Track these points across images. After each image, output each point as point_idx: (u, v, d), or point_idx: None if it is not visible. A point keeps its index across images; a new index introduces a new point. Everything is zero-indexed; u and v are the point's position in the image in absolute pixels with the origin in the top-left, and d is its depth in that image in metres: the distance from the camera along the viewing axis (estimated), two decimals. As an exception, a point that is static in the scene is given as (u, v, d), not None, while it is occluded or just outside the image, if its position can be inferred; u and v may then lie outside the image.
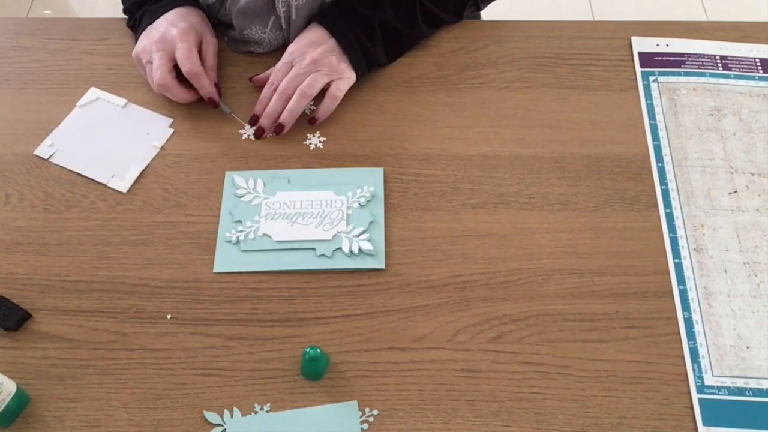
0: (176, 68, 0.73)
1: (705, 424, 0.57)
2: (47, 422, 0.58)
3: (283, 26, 0.76)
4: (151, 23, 0.75)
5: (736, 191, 0.70)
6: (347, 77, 0.73)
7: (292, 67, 0.73)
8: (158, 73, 0.72)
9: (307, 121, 0.74)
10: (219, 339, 0.62)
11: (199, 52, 0.74)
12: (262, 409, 0.58)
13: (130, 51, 0.79)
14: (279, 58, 0.75)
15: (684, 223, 0.68)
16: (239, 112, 0.75)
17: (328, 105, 0.73)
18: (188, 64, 0.71)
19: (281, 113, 0.72)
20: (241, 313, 0.63)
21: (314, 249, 0.66)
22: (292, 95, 0.72)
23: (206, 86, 0.73)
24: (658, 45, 0.80)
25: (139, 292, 0.64)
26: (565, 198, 0.69)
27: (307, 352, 0.57)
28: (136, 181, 0.71)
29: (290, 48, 0.74)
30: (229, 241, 0.66)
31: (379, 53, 0.76)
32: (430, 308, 0.63)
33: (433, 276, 0.65)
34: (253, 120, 0.74)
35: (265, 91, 0.74)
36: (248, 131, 0.74)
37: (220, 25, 0.80)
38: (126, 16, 0.80)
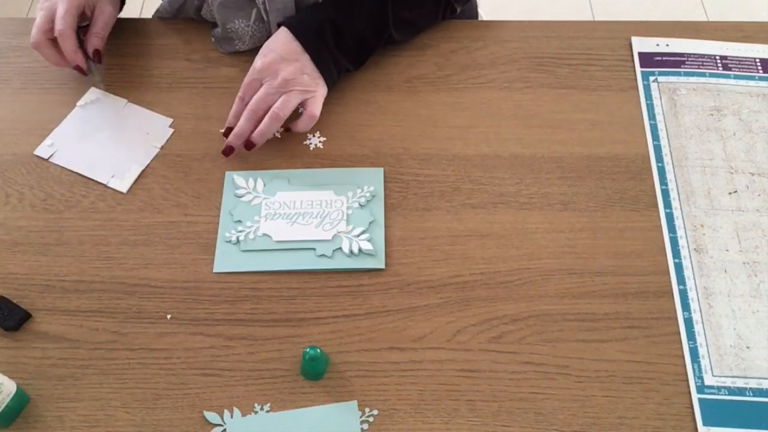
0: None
1: (705, 424, 0.57)
2: (47, 422, 0.58)
3: (265, 18, 0.76)
4: None
5: (736, 191, 0.70)
6: (320, 94, 0.72)
7: (261, 83, 0.70)
8: (33, 31, 0.71)
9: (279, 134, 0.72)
10: (219, 339, 0.62)
11: (91, 19, 0.73)
12: (262, 409, 0.58)
13: (131, 51, 0.79)
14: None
15: (684, 223, 0.68)
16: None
17: (306, 124, 0.71)
18: (59, 24, 0.70)
19: (251, 132, 0.70)
20: (241, 313, 0.63)
21: (314, 249, 0.66)
22: (263, 115, 0.70)
23: (70, 51, 0.71)
24: (658, 45, 0.80)
25: (139, 292, 0.64)
26: (565, 198, 0.69)
27: (307, 352, 0.57)
28: (136, 181, 0.71)
29: (259, 61, 0.71)
30: (229, 241, 0.66)
31: (348, 61, 0.74)
32: (430, 308, 0.63)
33: (433, 276, 0.65)
34: (227, 132, 0.71)
35: (236, 106, 0.72)
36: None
37: (206, 23, 0.80)
38: None
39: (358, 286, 0.64)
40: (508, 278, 0.65)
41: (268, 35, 0.77)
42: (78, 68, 0.73)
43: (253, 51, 0.78)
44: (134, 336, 0.62)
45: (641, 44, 0.80)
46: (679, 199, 0.69)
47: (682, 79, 0.77)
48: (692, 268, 0.65)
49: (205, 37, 0.81)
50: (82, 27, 0.75)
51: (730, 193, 0.69)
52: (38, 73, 0.79)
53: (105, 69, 0.78)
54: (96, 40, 0.74)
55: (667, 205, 0.69)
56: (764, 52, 0.79)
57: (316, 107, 0.71)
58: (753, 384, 0.59)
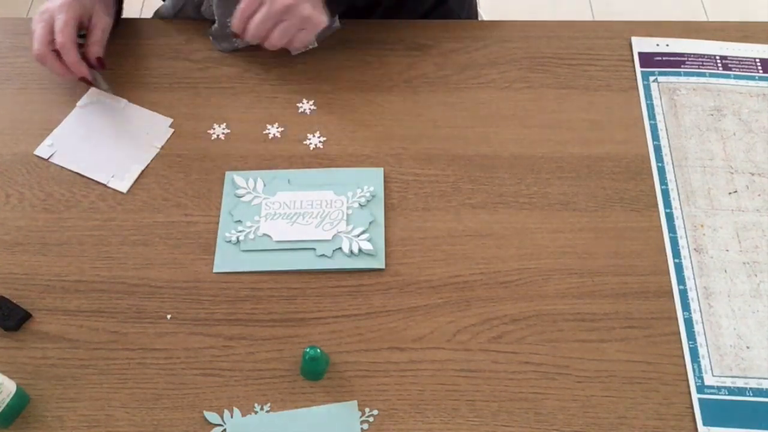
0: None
1: (705, 424, 0.57)
2: (47, 422, 0.58)
3: None
4: None
5: (736, 191, 0.70)
6: (316, 24, 0.70)
7: (262, 3, 0.69)
8: (35, 44, 0.71)
9: None
10: (219, 339, 0.62)
11: (89, 28, 0.74)
12: (262, 409, 0.58)
13: (131, 51, 0.79)
14: (270, 54, 0.74)
15: (684, 223, 0.68)
16: (235, 115, 0.75)
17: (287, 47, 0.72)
18: (60, 36, 0.70)
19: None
20: (241, 313, 0.63)
21: (314, 249, 0.66)
22: (264, 37, 0.70)
23: (74, 62, 0.72)
24: (658, 45, 0.80)
25: (139, 292, 0.64)
26: (565, 198, 0.69)
27: (307, 352, 0.57)
28: (136, 181, 0.71)
29: None
30: (229, 241, 0.66)
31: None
32: (430, 308, 0.63)
33: (433, 276, 0.65)
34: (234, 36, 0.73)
35: (238, 21, 0.71)
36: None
37: (206, 22, 0.80)
38: None
39: (358, 286, 0.64)
40: (508, 278, 0.65)
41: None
42: (83, 79, 0.73)
43: (251, 49, 0.78)
44: (134, 336, 0.62)
45: (641, 44, 0.80)
46: (679, 199, 0.69)
47: (682, 79, 0.77)
48: (692, 268, 0.65)
49: (206, 37, 0.81)
50: (81, 36, 0.75)
51: (730, 193, 0.69)
52: (38, 73, 0.79)
53: (108, 72, 0.78)
54: (96, 48, 0.74)
55: (667, 205, 0.69)
56: (764, 52, 0.79)
57: (300, 41, 0.72)
58: (753, 384, 0.59)
